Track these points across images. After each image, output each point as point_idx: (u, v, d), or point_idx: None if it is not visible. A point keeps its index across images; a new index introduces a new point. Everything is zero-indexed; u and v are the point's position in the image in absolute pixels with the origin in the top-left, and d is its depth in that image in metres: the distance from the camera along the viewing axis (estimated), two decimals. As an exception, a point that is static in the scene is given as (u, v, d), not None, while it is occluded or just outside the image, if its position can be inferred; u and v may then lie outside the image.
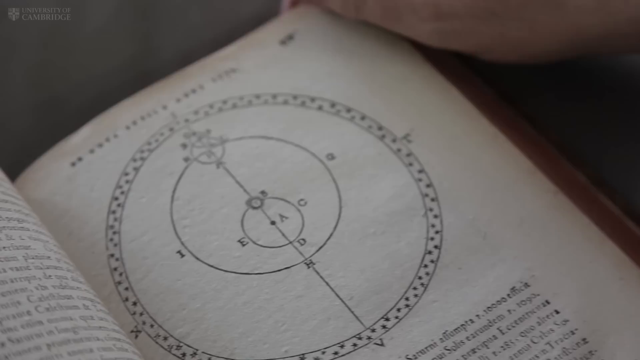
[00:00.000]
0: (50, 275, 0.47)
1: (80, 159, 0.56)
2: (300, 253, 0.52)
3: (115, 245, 0.52)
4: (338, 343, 0.49)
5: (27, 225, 0.49)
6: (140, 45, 0.64)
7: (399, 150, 0.55)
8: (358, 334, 0.49)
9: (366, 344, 0.49)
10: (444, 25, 0.51)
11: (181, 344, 0.49)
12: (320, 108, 0.56)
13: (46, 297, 0.45)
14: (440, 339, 0.49)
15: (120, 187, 0.54)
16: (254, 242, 0.52)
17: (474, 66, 0.59)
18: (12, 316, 0.44)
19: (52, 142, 0.58)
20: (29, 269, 0.46)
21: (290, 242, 0.52)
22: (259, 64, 0.58)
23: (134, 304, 0.51)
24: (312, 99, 0.57)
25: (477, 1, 0.50)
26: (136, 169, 0.55)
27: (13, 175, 0.56)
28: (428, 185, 0.53)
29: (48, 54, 0.62)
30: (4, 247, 0.46)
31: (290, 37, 0.59)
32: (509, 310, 0.50)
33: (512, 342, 0.49)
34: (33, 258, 0.47)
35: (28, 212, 0.50)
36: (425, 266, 0.51)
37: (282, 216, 0.53)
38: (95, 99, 0.61)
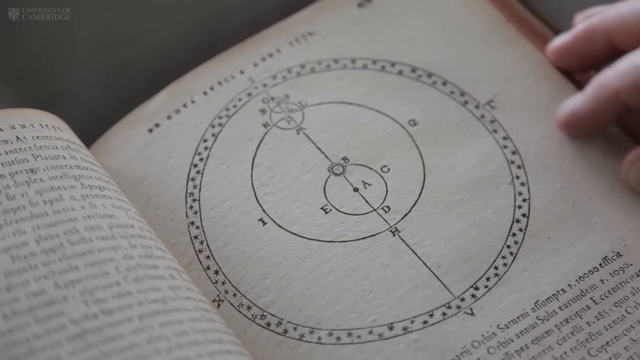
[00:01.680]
0: (135, 245, 0.46)
1: (157, 125, 0.55)
2: (385, 220, 0.50)
3: (195, 213, 0.51)
4: (427, 312, 0.48)
5: (109, 193, 0.48)
6: (208, 10, 0.62)
7: (482, 116, 0.53)
8: (447, 303, 0.48)
9: (456, 313, 0.48)
10: None
11: (265, 313, 0.48)
12: (400, 73, 0.55)
13: (133, 267, 0.44)
14: (532, 308, 0.48)
15: (199, 153, 0.53)
16: (337, 210, 0.51)
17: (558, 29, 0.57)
18: (102, 287, 0.43)
19: (123, 109, 0.56)
20: (115, 239, 0.45)
21: (374, 210, 0.51)
22: (336, 27, 0.57)
23: (216, 272, 0.50)
24: (392, 64, 0.55)
25: None
26: (215, 135, 0.54)
27: (86, 142, 0.55)
28: (514, 152, 0.52)
29: (113, 17, 0.61)
30: (88, 216, 0.46)
31: (367, 0, 0.58)
32: (601, 280, 0.48)
33: (606, 313, 0.47)
34: (117, 227, 0.46)
35: (107, 179, 0.50)
36: (514, 235, 0.50)
37: (365, 183, 0.52)
38: (164, 65, 0.60)
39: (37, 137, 0.48)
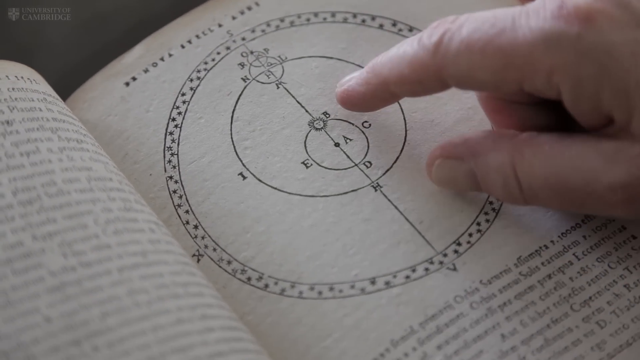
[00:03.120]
0: (114, 198, 0.45)
1: (134, 79, 0.54)
2: (367, 176, 0.50)
3: (174, 167, 0.51)
4: (409, 267, 0.47)
5: (86, 146, 0.47)
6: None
7: (464, 70, 0.53)
8: (430, 259, 0.48)
9: (438, 269, 0.47)
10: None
11: (246, 268, 0.48)
12: (381, 27, 0.54)
13: (112, 220, 0.44)
14: (515, 264, 0.47)
15: (178, 107, 0.52)
16: (318, 164, 0.50)
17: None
18: (80, 239, 0.42)
19: (98, 63, 0.56)
20: (93, 191, 0.44)
21: (356, 165, 0.50)
22: (316, -20, 0.56)
23: (195, 227, 0.49)
24: (373, 17, 0.55)
25: None
26: (193, 89, 0.53)
27: (61, 96, 0.54)
28: (496, 107, 0.51)
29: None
30: (66, 169, 0.45)
31: (348, -47, 0.57)
32: (584, 236, 0.48)
33: (588, 268, 0.47)
34: (96, 180, 0.45)
35: (85, 132, 0.49)
36: (489, 195, 0.49)
37: (346, 138, 0.51)
38: (140, 18, 0.59)
39: (13, 88, 0.47)
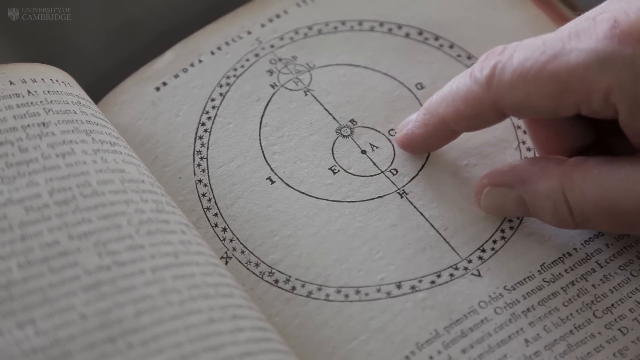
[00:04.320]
0: (146, 199, 0.46)
1: (164, 84, 0.55)
2: (393, 183, 0.51)
3: (203, 171, 0.52)
4: (435, 272, 0.48)
5: (119, 148, 0.48)
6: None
7: (489, 80, 0.54)
8: (455, 265, 0.48)
9: (463, 275, 0.48)
10: None
11: (273, 271, 0.49)
12: (407, 35, 0.55)
13: (145, 221, 0.44)
14: (538, 271, 0.48)
15: (207, 112, 0.53)
16: (346, 171, 0.51)
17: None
18: (115, 239, 0.43)
19: (128, 68, 0.56)
20: (126, 193, 0.45)
21: (382, 172, 0.51)
22: (344, -12, 0.57)
23: (224, 230, 0.50)
24: (399, 26, 0.56)
25: None
26: (222, 95, 0.54)
27: (92, 99, 0.55)
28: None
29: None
30: (100, 170, 0.46)
31: (376, -37, 0.58)
32: (606, 244, 0.49)
33: (611, 276, 0.48)
34: (129, 182, 0.46)
35: (117, 135, 0.50)
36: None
37: (372, 145, 0.52)
38: (170, 25, 0.60)
39: (48, 91, 0.48)
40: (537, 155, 0.50)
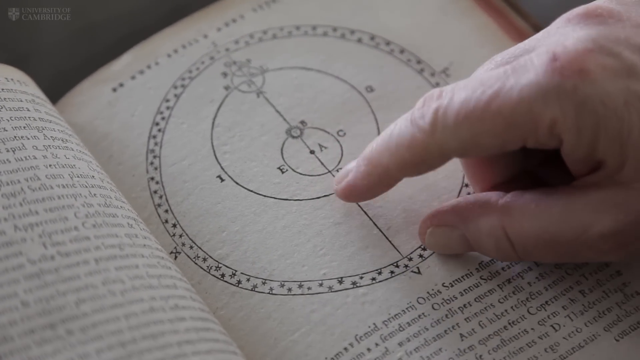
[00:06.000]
0: (95, 194, 0.47)
1: (121, 85, 0.56)
2: (339, 182, 0.52)
3: (156, 168, 0.53)
4: (376, 269, 0.50)
5: (71, 145, 0.50)
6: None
7: (437, 84, 0.55)
8: (395, 262, 0.50)
9: (403, 272, 0.49)
10: (633, 248, 0.45)
11: (220, 265, 0.50)
12: (359, 40, 0.57)
13: (92, 214, 0.46)
14: (476, 268, 0.49)
15: (161, 112, 0.55)
16: (294, 170, 0.53)
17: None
18: (60, 231, 0.44)
19: (89, 69, 0.58)
20: (75, 187, 0.47)
21: (329, 172, 0.53)
22: (299, -5, 0.59)
23: (174, 225, 0.51)
24: (352, 32, 0.57)
25: None
26: (177, 96, 0.55)
27: (51, 99, 0.56)
28: (466, 120, 0.54)
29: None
30: (50, 165, 0.47)
31: (330, -30, 0.59)
32: (544, 243, 0.50)
33: (546, 274, 0.49)
34: (78, 177, 0.48)
35: (71, 133, 0.51)
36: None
37: (321, 146, 0.53)
38: (132, 29, 0.61)
39: (2, 89, 0.50)
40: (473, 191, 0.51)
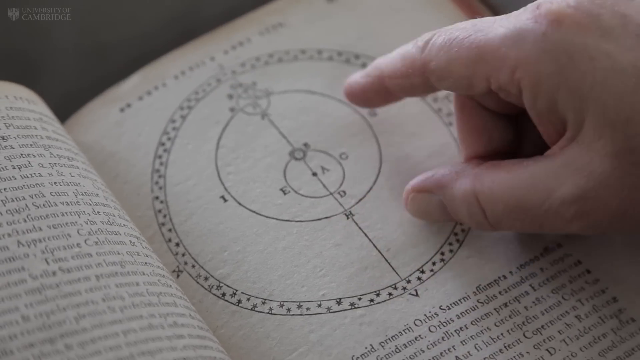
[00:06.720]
0: (98, 212, 0.48)
1: (129, 105, 0.57)
2: (340, 204, 0.53)
3: (160, 188, 0.54)
4: (374, 291, 0.50)
5: (77, 163, 0.50)
6: (186, 1, 0.65)
7: (439, 109, 0.56)
8: (394, 284, 0.50)
9: (401, 294, 0.50)
10: (594, 219, 0.46)
11: (221, 284, 0.51)
12: (364, 65, 0.58)
13: (95, 231, 0.47)
14: (474, 292, 0.50)
15: (167, 133, 0.56)
16: (296, 192, 0.53)
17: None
18: (62, 247, 0.45)
19: (97, 89, 0.59)
20: (79, 204, 0.48)
21: (331, 194, 0.53)
22: (305, 19, 0.60)
23: (177, 244, 0.52)
24: (357, 56, 0.58)
25: (623, 180, 0.45)
26: (183, 117, 0.56)
27: (60, 118, 0.57)
28: (467, 145, 0.54)
29: (96, 2, 0.64)
30: (55, 183, 0.48)
31: (337, -4, 0.60)
32: (541, 269, 0.51)
33: (543, 298, 0.50)
34: (82, 194, 0.48)
35: (77, 151, 0.52)
36: (461, 224, 0.52)
37: (323, 168, 0.54)
38: (141, 51, 0.62)
39: (11, 107, 0.51)
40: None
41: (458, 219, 0.50)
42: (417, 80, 0.50)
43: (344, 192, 0.53)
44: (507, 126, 0.50)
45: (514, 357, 0.48)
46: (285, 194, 0.53)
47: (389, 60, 0.51)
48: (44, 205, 0.46)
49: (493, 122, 0.50)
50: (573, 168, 0.45)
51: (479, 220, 0.48)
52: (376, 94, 0.53)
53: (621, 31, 0.44)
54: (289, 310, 0.50)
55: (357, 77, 0.53)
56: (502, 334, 0.49)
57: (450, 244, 0.52)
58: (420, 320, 0.49)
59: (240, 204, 0.53)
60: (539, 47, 0.45)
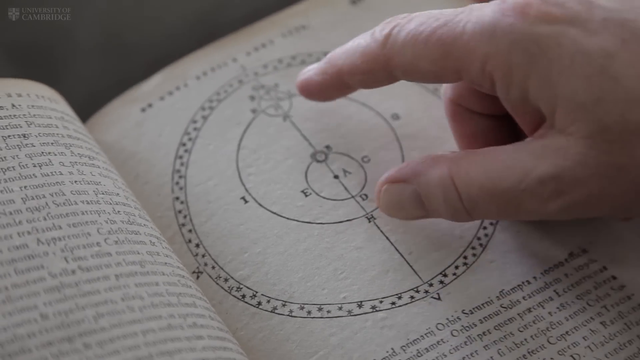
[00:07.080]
0: (119, 211, 0.48)
1: (150, 105, 0.57)
2: (362, 207, 0.52)
3: (181, 188, 0.54)
4: (396, 294, 0.50)
5: (98, 162, 0.50)
6: (209, 1, 0.65)
7: (463, 113, 0.55)
8: (416, 287, 0.50)
9: (423, 297, 0.50)
10: (571, 198, 0.45)
11: (241, 286, 0.50)
12: (387, 68, 0.57)
13: (115, 230, 0.46)
14: (497, 297, 0.49)
15: (188, 133, 0.55)
16: (317, 194, 0.53)
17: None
18: (82, 246, 0.45)
19: (120, 89, 0.59)
20: (99, 203, 0.47)
21: (353, 197, 0.53)
22: (328, 22, 0.59)
23: (197, 245, 0.52)
24: (380, 59, 0.57)
25: (599, 159, 0.44)
26: (204, 118, 0.56)
27: (82, 118, 0.57)
28: (491, 149, 0.54)
29: (120, 3, 0.64)
30: (75, 181, 0.48)
31: (360, -2, 0.60)
32: (566, 274, 0.50)
33: (567, 304, 0.49)
34: (103, 193, 0.48)
35: (98, 150, 0.52)
36: (485, 228, 0.52)
37: (345, 171, 0.54)
38: (164, 52, 0.62)
39: (32, 106, 0.50)
40: None
41: (432, 208, 0.49)
42: (380, 75, 0.49)
43: (366, 195, 0.53)
44: (502, 126, 0.50)
45: (538, 362, 0.47)
46: (306, 196, 0.53)
47: (345, 55, 0.50)
48: (64, 203, 0.46)
49: (487, 124, 0.50)
50: (551, 149, 0.45)
51: (455, 206, 0.47)
52: (335, 90, 0.53)
53: (587, 16, 0.44)
54: (309, 312, 0.49)
55: (311, 74, 0.53)
56: (525, 340, 0.48)
57: (473, 247, 0.51)
58: (442, 324, 0.49)
59: (261, 205, 0.53)
60: (508, 39, 0.45)
